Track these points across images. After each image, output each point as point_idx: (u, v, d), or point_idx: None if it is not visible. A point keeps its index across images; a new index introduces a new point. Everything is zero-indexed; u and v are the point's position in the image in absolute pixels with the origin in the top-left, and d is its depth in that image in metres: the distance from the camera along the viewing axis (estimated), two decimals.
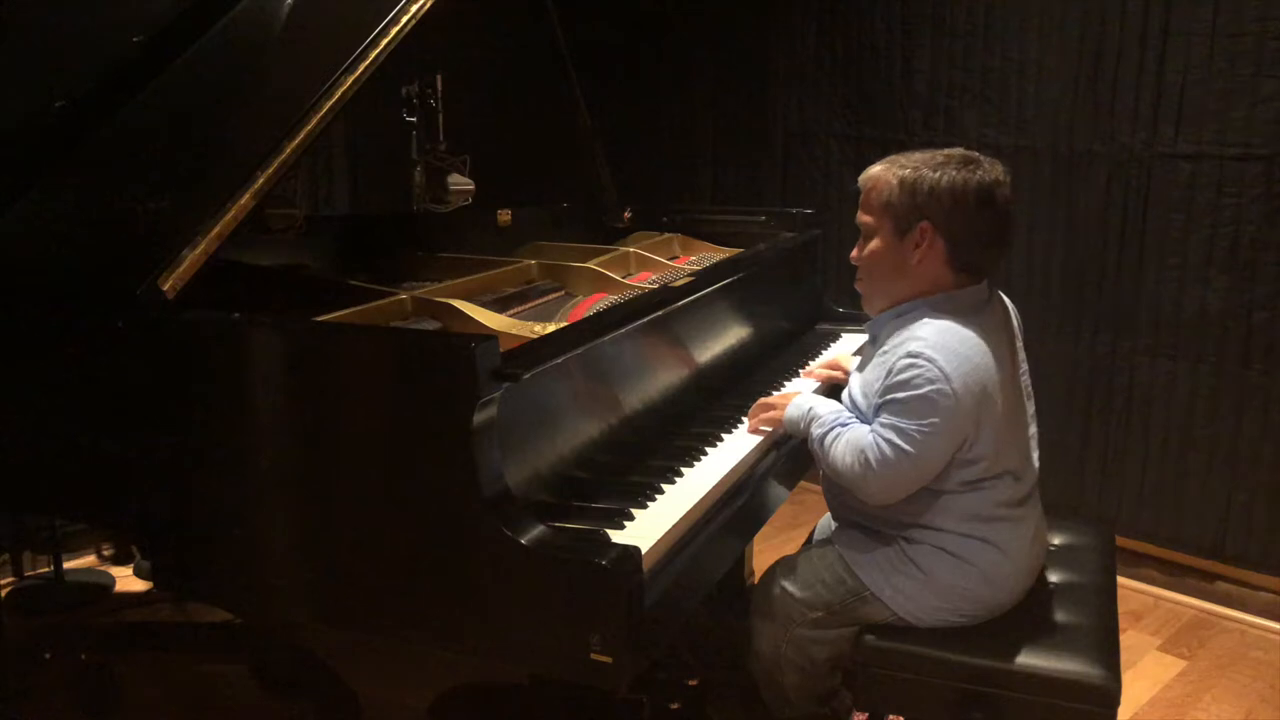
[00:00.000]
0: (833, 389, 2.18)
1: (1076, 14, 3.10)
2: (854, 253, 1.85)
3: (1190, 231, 2.98)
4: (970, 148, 1.81)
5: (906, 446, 1.67)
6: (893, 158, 1.79)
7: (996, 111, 3.31)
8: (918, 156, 1.76)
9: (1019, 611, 1.82)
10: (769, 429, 1.92)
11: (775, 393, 2.12)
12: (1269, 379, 2.90)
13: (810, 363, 2.40)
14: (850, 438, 1.75)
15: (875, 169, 1.79)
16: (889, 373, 1.70)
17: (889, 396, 1.69)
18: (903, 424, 1.67)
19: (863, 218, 1.81)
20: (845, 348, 2.53)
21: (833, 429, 1.78)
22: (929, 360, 1.66)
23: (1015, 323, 1.90)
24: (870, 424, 1.74)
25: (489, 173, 2.52)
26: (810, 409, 1.84)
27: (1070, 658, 1.71)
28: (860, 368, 1.88)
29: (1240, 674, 2.75)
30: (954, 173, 1.72)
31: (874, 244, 1.79)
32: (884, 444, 1.69)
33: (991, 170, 1.74)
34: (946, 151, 1.77)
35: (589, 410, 1.68)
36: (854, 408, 1.82)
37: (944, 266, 1.76)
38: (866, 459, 1.70)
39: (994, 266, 1.81)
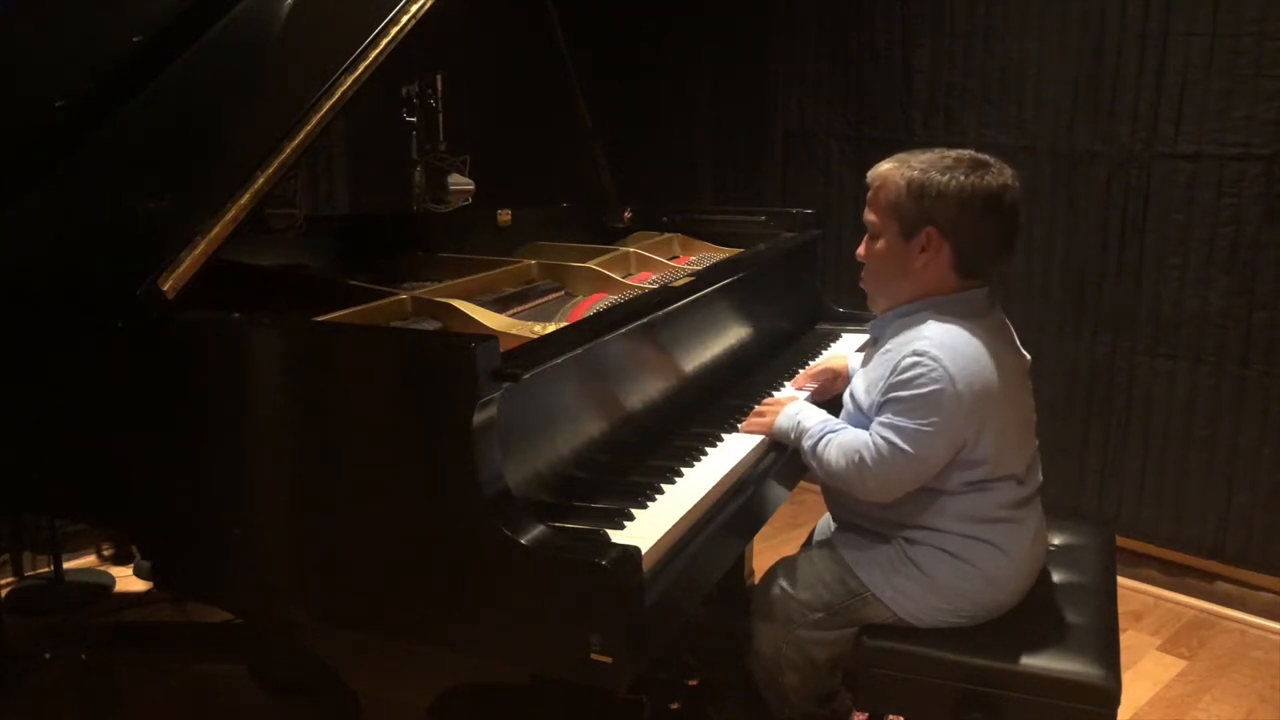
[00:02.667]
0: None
1: (1076, 14, 3.10)
2: (860, 250, 1.85)
3: (1190, 231, 2.98)
4: (970, 148, 1.80)
5: (905, 445, 1.67)
6: (902, 157, 1.77)
7: (996, 111, 3.31)
8: (927, 157, 1.74)
9: (1019, 612, 1.82)
10: (761, 434, 1.90)
11: (775, 393, 2.12)
12: (1269, 379, 2.90)
13: (810, 362, 2.39)
14: (841, 441, 1.75)
15: (884, 167, 1.78)
16: (893, 370, 1.70)
17: (892, 394, 1.69)
18: (902, 422, 1.67)
19: (869, 216, 1.80)
20: (845, 348, 2.53)
21: (822, 437, 1.78)
22: (934, 359, 1.66)
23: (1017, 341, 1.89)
24: (869, 424, 1.74)
25: (489, 173, 2.52)
26: (799, 421, 1.83)
27: (1070, 658, 1.71)
28: (862, 366, 1.88)
29: (1240, 674, 2.75)
30: (962, 177, 1.70)
31: (879, 244, 1.79)
32: (882, 442, 1.68)
33: (1000, 175, 1.73)
34: (956, 153, 1.75)
35: (589, 410, 1.68)
36: (855, 407, 1.82)
37: (948, 271, 1.75)
38: (862, 458, 1.70)
39: (998, 270, 1.81)
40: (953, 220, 1.71)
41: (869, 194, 1.80)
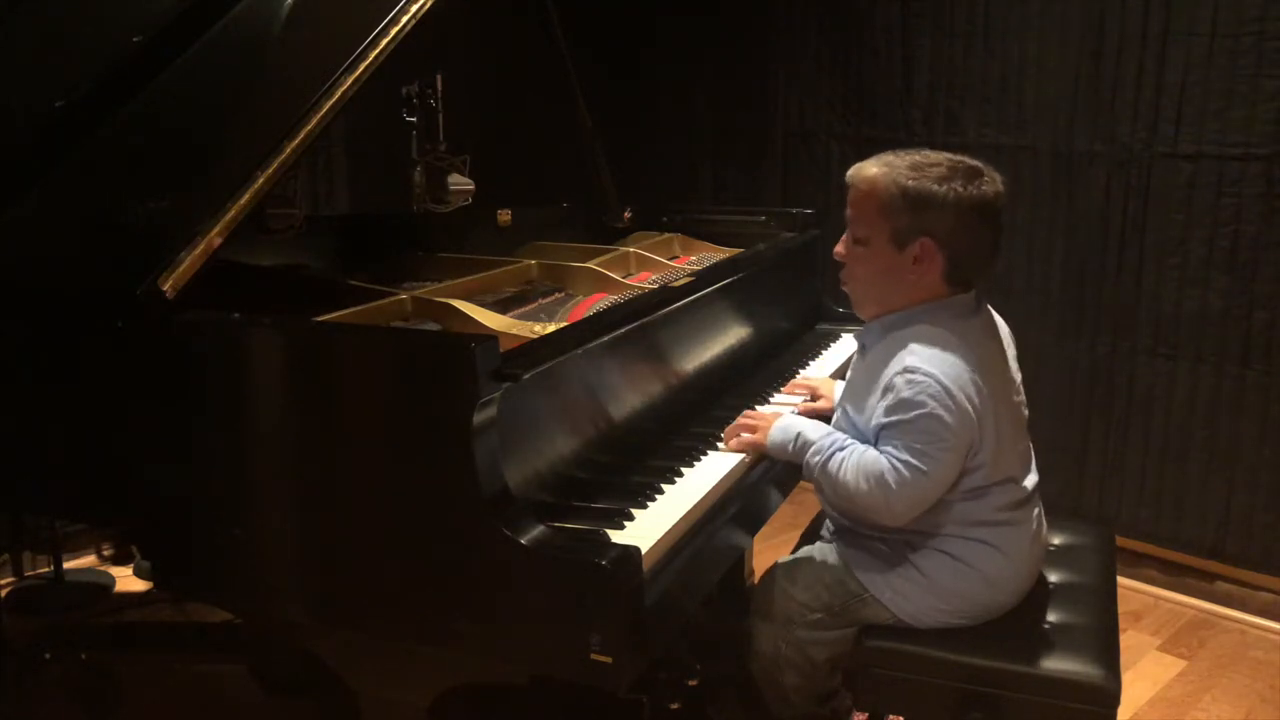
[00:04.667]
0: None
1: (1076, 14, 3.10)
2: (839, 248, 1.80)
3: (1190, 231, 2.98)
4: (970, 148, 1.78)
5: (922, 466, 1.64)
6: (888, 160, 1.72)
7: (996, 111, 3.31)
8: (913, 160, 1.70)
9: (1019, 612, 1.82)
10: (748, 452, 1.82)
11: (775, 394, 2.12)
12: (1269, 379, 2.90)
13: (810, 363, 2.39)
14: (859, 462, 1.69)
15: (871, 170, 1.73)
16: (887, 391, 1.67)
17: (894, 418, 1.66)
18: (915, 444, 1.64)
19: (854, 219, 1.76)
20: (845, 348, 2.53)
21: (833, 455, 1.72)
22: (927, 375, 1.64)
23: (1006, 335, 1.87)
24: (867, 441, 1.72)
25: (489, 173, 2.52)
26: (799, 435, 1.77)
27: (1070, 658, 1.71)
28: (851, 378, 1.86)
29: (1240, 674, 2.75)
30: (960, 188, 1.67)
31: (866, 250, 1.75)
32: (900, 466, 1.65)
33: (992, 182, 1.70)
34: (947, 160, 1.71)
35: (589, 410, 1.68)
36: (847, 421, 1.80)
37: (940, 280, 1.73)
38: (886, 482, 1.65)
39: (986, 277, 1.79)
40: (950, 232, 1.69)
41: (853, 195, 1.75)
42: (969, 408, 1.65)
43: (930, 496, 1.70)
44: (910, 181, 1.68)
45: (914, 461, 1.65)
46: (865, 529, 1.82)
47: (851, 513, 1.78)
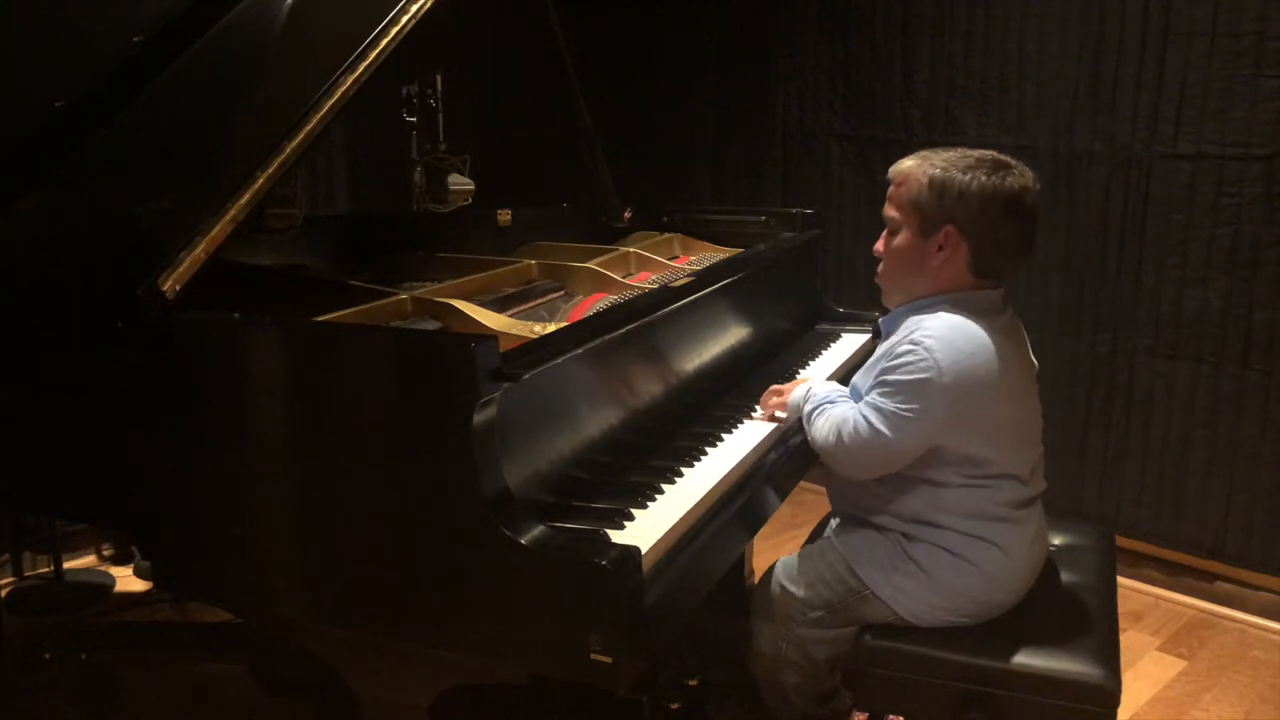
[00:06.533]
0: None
1: (1076, 14, 3.10)
2: (878, 245, 1.85)
3: (1190, 231, 2.98)
4: (970, 148, 1.80)
5: (882, 427, 1.69)
6: (925, 154, 1.78)
7: (996, 111, 3.31)
8: (949, 155, 1.75)
9: (1019, 611, 1.82)
10: (782, 415, 1.95)
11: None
12: (1269, 379, 2.90)
13: (810, 363, 2.39)
14: (833, 413, 1.78)
15: (907, 163, 1.79)
16: (888, 354, 1.72)
17: (881, 376, 1.72)
18: (885, 404, 1.70)
19: (889, 211, 1.81)
20: (845, 348, 2.53)
21: (820, 405, 1.82)
22: (927, 350, 1.67)
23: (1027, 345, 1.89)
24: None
25: (489, 173, 2.52)
26: (810, 390, 1.88)
27: (1070, 658, 1.72)
28: (870, 360, 1.88)
29: (1240, 674, 2.75)
30: (984, 177, 1.71)
31: (898, 240, 1.80)
32: (862, 420, 1.71)
33: (1022, 177, 1.73)
34: (979, 153, 1.75)
35: (589, 410, 1.68)
36: (856, 397, 1.83)
37: (964, 270, 1.75)
38: (840, 432, 1.74)
39: (1015, 274, 1.81)
40: (973, 220, 1.72)
41: (890, 189, 1.81)
42: (956, 393, 1.67)
43: (880, 459, 1.73)
44: (937, 171, 1.73)
45: (875, 421, 1.69)
46: (866, 515, 1.84)
47: (846, 481, 1.86)
